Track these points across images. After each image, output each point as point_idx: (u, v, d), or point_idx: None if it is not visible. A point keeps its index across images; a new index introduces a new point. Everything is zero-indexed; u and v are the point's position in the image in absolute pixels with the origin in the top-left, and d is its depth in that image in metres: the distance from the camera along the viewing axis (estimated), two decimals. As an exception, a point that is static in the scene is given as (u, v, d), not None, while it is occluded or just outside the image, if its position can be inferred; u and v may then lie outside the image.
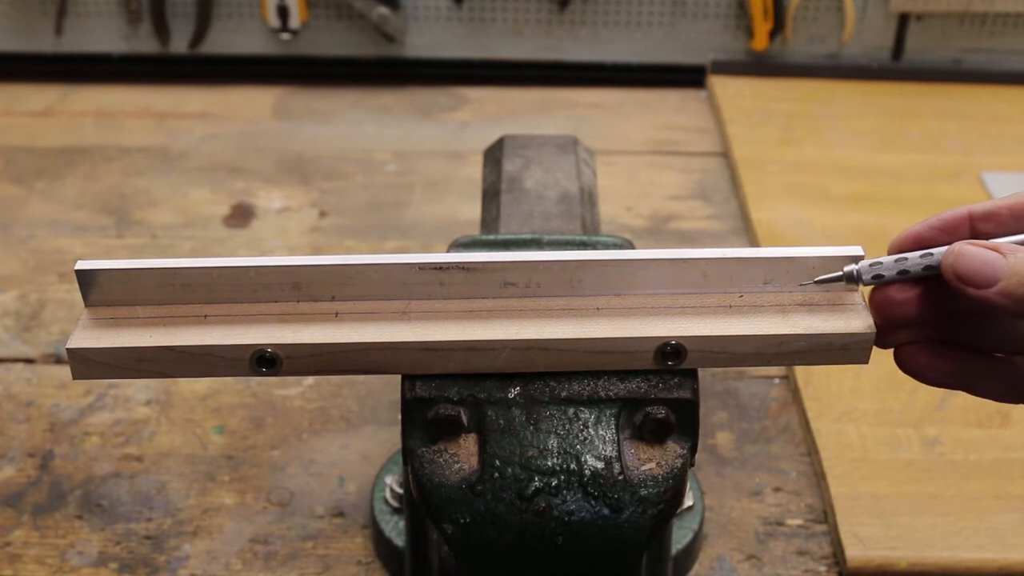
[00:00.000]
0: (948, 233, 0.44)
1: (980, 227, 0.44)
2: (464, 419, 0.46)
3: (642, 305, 0.48)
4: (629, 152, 1.18)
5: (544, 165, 0.71)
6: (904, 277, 0.44)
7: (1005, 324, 0.45)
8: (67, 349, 0.46)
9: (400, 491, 0.67)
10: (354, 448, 0.77)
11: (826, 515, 0.71)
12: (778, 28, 1.29)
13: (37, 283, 0.94)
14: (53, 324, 0.88)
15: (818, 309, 0.48)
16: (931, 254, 0.43)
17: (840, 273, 0.46)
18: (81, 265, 0.48)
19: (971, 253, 0.41)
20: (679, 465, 0.46)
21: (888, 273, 0.44)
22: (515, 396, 0.47)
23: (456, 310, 0.48)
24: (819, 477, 0.74)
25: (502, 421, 0.46)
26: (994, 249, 0.41)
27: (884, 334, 0.45)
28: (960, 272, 0.41)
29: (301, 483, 0.74)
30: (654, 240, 1.01)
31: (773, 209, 1.03)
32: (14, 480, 0.74)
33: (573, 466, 0.45)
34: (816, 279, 0.47)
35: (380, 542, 0.68)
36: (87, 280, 0.48)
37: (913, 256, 0.43)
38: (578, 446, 0.45)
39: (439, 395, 0.47)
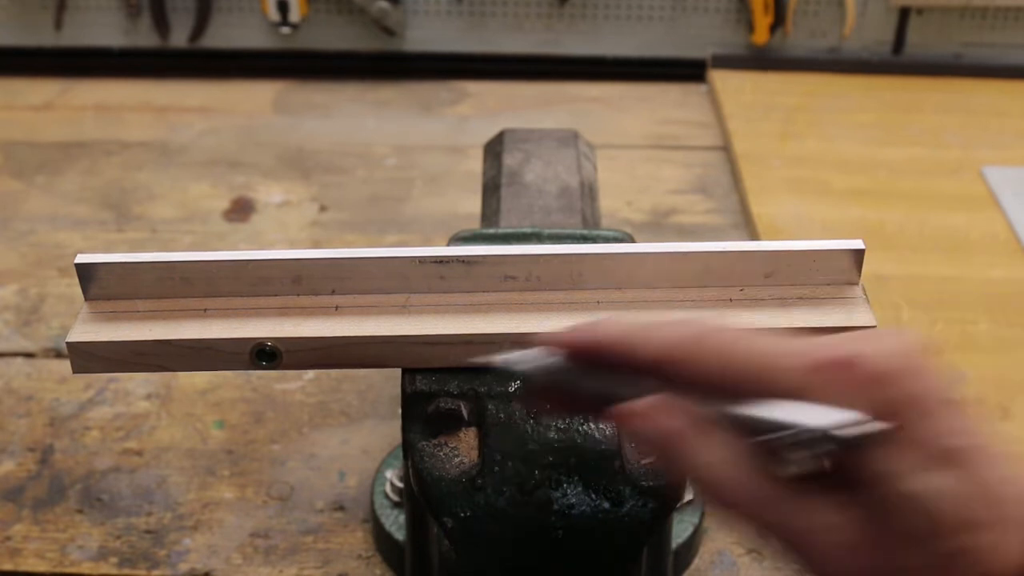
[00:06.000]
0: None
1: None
2: (464, 413, 0.46)
3: (642, 299, 0.48)
4: (629, 146, 1.18)
5: (544, 159, 0.71)
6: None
7: None
8: (67, 343, 0.46)
9: (400, 485, 0.67)
10: (354, 442, 0.77)
11: (826, 509, 0.71)
12: (779, 22, 1.28)
13: (37, 277, 0.94)
14: (53, 318, 0.88)
15: (819, 303, 0.48)
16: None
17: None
18: (81, 259, 0.48)
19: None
20: (679, 459, 0.46)
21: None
22: (515, 390, 0.47)
23: (456, 304, 0.48)
24: (819, 471, 0.74)
25: (502, 415, 0.46)
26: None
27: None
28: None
29: (301, 477, 0.74)
30: (654, 234, 1.01)
31: (773, 203, 1.03)
32: (14, 474, 0.74)
33: (573, 460, 0.45)
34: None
35: (380, 536, 0.68)
36: (87, 274, 0.48)
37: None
38: (578, 440, 0.45)
39: (439, 389, 0.47)
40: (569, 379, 0.38)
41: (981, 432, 0.35)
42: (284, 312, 0.48)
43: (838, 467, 0.34)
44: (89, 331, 0.47)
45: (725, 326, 0.37)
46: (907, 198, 1.04)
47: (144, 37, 1.32)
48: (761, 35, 1.29)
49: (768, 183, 1.07)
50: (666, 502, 0.45)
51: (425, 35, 1.32)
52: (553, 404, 0.39)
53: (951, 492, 0.33)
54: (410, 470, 0.47)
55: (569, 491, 0.44)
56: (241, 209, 1.05)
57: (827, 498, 0.34)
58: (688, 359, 0.36)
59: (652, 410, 0.36)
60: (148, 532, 0.69)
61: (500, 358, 0.39)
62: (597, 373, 0.38)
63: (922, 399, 0.34)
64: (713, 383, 0.35)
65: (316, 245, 0.99)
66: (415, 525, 0.60)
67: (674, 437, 0.36)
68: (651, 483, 0.45)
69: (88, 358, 0.47)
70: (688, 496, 0.68)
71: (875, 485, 0.33)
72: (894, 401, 0.34)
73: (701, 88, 1.31)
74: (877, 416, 0.33)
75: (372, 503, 0.69)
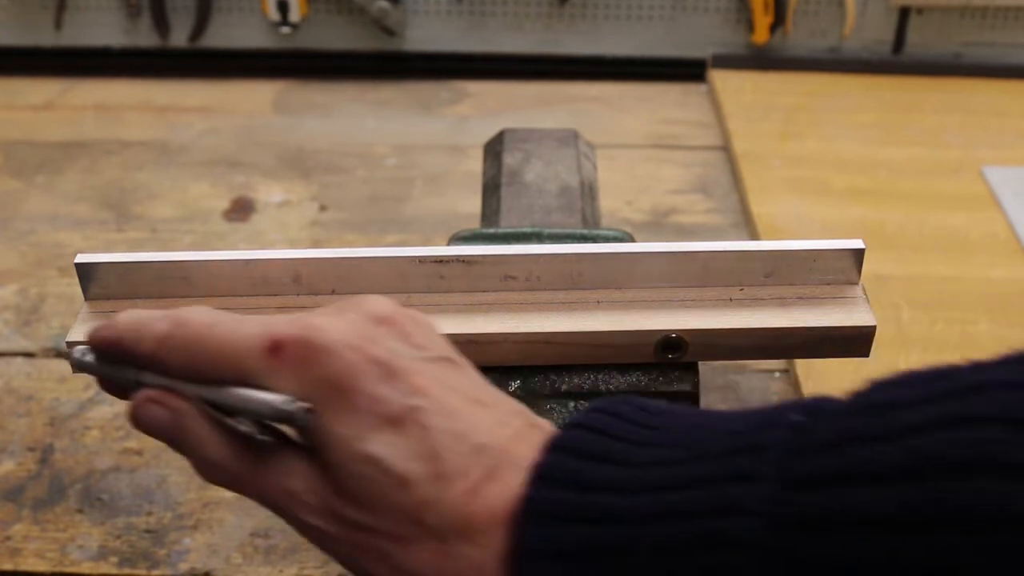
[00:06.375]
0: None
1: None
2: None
3: (642, 298, 0.48)
4: (629, 146, 1.18)
5: (544, 159, 0.71)
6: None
7: None
8: (67, 343, 0.47)
9: (400, 485, 0.67)
10: (354, 442, 0.76)
11: (826, 509, 0.71)
12: (779, 22, 1.28)
13: (37, 277, 0.94)
14: (53, 318, 0.88)
15: (819, 302, 0.48)
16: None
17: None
18: (81, 258, 0.48)
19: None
20: (679, 458, 0.45)
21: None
22: (515, 390, 0.47)
23: (456, 303, 0.48)
24: (819, 471, 0.74)
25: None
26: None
27: None
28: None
29: (301, 477, 0.74)
30: (654, 234, 1.01)
31: (773, 203, 1.03)
32: (14, 474, 0.74)
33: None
34: None
35: (380, 536, 0.68)
36: (87, 273, 0.48)
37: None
38: (578, 439, 0.45)
39: (439, 388, 0.46)
40: (104, 370, 0.41)
41: (429, 391, 0.37)
42: (284, 312, 0.48)
43: (291, 439, 0.38)
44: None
45: (208, 317, 0.39)
46: (907, 198, 1.04)
47: (144, 37, 1.32)
48: (761, 35, 1.29)
49: (768, 183, 1.07)
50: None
51: (425, 35, 1.33)
52: (108, 390, 0.43)
53: (389, 453, 0.36)
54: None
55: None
56: (241, 209, 1.05)
57: (293, 466, 0.38)
58: (173, 351, 0.39)
59: (148, 400, 0.39)
60: (148, 532, 0.69)
61: (77, 351, 0.42)
62: (122, 365, 0.40)
63: (360, 369, 0.37)
64: (196, 371, 0.39)
65: (316, 245, 0.99)
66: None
67: (169, 424, 0.39)
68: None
69: (88, 358, 0.47)
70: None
71: (326, 452, 0.37)
72: (330, 375, 0.36)
73: (701, 88, 1.31)
74: (315, 390, 0.37)
75: (372, 503, 0.69)
